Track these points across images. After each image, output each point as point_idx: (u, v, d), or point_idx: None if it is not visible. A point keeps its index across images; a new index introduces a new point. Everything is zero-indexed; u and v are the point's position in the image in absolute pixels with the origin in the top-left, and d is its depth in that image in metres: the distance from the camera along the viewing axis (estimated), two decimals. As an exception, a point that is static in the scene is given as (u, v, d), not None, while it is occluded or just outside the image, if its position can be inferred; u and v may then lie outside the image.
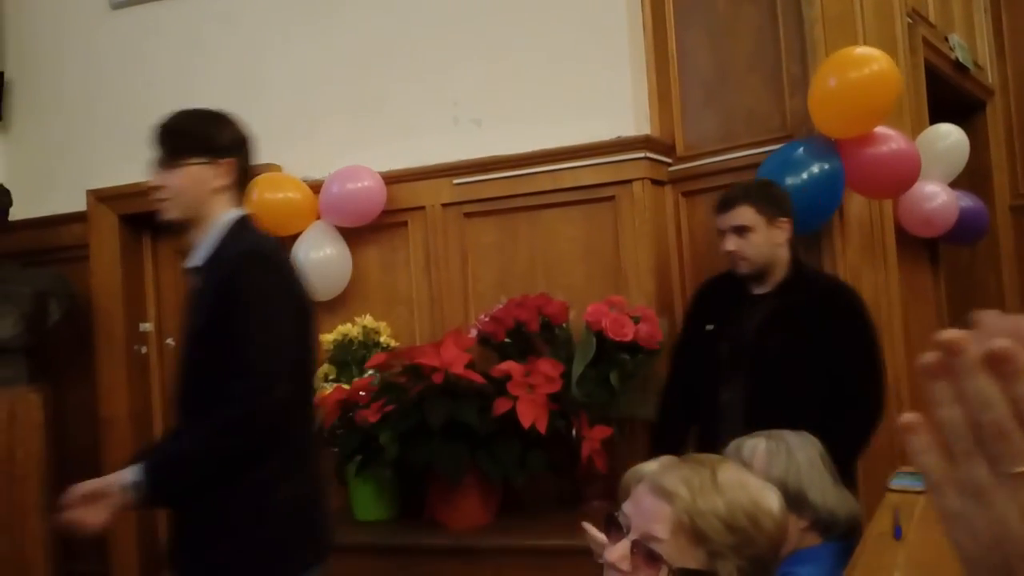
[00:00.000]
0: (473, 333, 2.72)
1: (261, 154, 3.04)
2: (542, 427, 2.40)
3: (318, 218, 3.01)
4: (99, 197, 3.40)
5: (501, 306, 2.70)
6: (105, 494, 1.63)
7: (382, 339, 2.86)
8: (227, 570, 1.70)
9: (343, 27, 3.16)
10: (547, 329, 2.68)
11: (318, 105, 3.18)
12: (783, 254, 2.22)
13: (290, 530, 1.72)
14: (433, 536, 2.54)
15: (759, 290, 2.23)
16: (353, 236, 3.02)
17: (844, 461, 1.76)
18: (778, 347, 2.15)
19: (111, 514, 1.63)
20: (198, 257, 1.78)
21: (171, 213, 1.81)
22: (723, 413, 2.18)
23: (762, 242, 2.17)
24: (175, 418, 1.80)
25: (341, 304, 3.01)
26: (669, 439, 2.25)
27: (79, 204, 3.42)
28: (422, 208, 2.99)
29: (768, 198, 2.21)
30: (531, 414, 2.42)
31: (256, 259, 1.72)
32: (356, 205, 2.95)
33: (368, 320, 2.89)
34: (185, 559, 1.74)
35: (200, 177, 1.77)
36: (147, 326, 3.48)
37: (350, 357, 2.82)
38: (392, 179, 2.99)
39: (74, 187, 3.43)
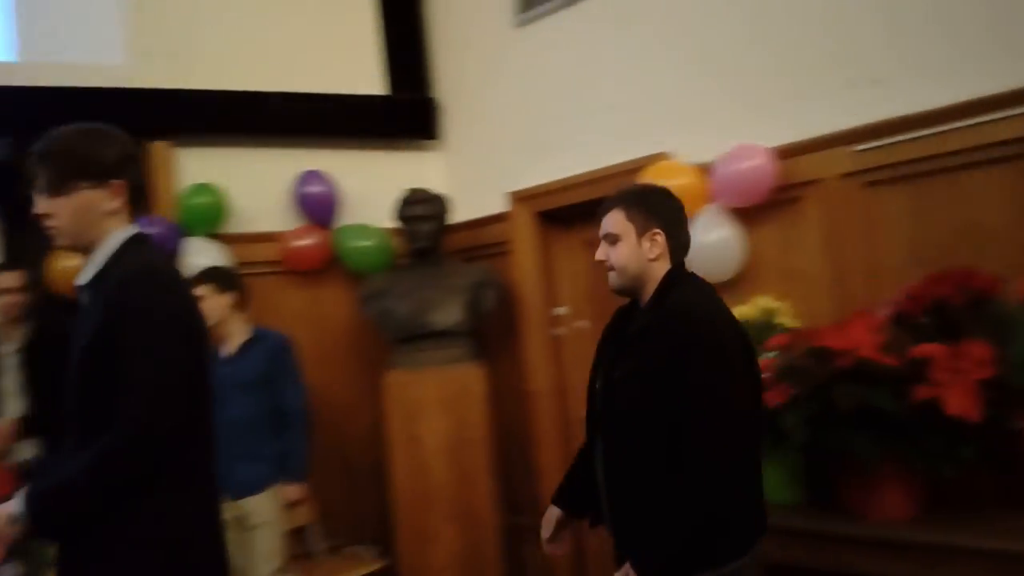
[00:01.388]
0: (883, 312, 2.53)
1: (652, 143, 3.24)
2: (975, 415, 2.16)
3: (710, 201, 3.04)
4: (518, 198, 3.83)
5: (916, 283, 2.47)
6: None
7: (781, 320, 2.80)
8: None
9: (726, 7, 3.14)
10: (975, 307, 2.38)
11: (702, 88, 3.20)
12: None
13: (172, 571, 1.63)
14: (849, 525, 2.44)
15: None
16: (745, 216, 3.00)
17: None
18: None
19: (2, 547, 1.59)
20: (85, 275, 1.74)
21: (62, 241, 1.74)
22: None
23: None
24: (67, 433, 1.71)
25: (734, 286, 3.00)
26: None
27: (502, 206, 3.90)
28: (818, 181, 2.85)
29: None
30: (960, 401, 2.19)
31: (144, 277, 1.65)
32: (747, 184, 2.91)
33: (767, 301, 2.85)
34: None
35: (90, 202, 1.71)
36: (561, 310, 3.84)
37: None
38: (783, 154, 2.90)
39: (497, 191, 3.91)
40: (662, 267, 1.95)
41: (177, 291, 1.73)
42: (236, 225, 3.86)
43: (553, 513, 2.15)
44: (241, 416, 3.19)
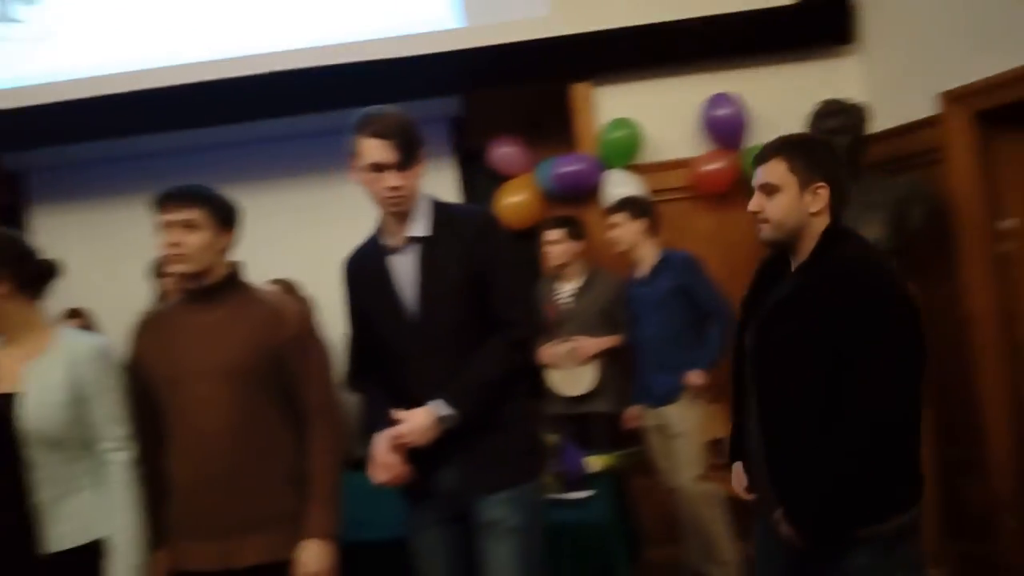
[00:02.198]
0: None
1: None
2: None
3: None
4: (951, 98, 3.42)
5: None
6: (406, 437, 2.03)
7: None
8: (505, 461, 2.08)
9: None
10: None
11: None
12: None
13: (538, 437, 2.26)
14: None
15: None
16: None
17: None
18: None
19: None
20: (420, 228, 2.10)
21: (402, 207, 2.07)
22: None
23: None
24: (428, 368, 2.07)
25: None
26: None
27: (930, 109, 3.52)
28: None
29: None
30: None
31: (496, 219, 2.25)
32: None
33: None
34: (464, 455, 2.06)
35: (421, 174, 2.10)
36: (1009, 223, 3.38)
37: None
38: None
39: (925, 93, 3.53)
40: (822, 223, 1.89)
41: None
42: (649, 155, 4.08)
43: (739, 467, 2.14)
44: (658, 332, 3.45)
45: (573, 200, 4.14)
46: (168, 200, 2.07)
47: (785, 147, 1.93)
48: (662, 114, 4.07)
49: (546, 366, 3.62)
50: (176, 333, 2.11)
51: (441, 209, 2.14)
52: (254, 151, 4.47)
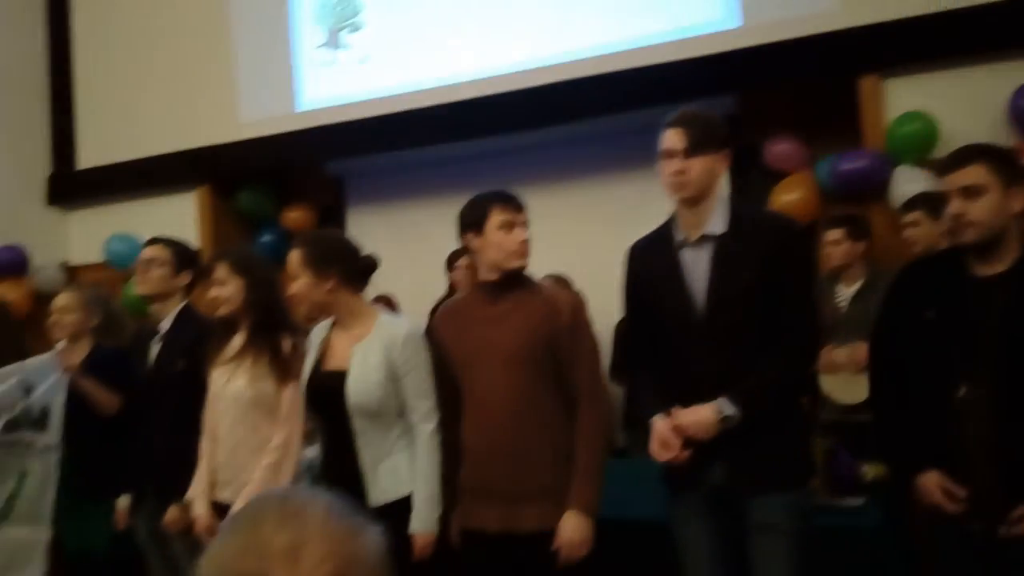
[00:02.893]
0: None
1: None
2: None
3: None
4: None
5: None
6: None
7: None
8: (777, 463, 2.08)
9: None
10: None
11: None
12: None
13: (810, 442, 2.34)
14: None
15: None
16: None
17: None
18: None
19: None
20: (717, 226, 2.13)
21: (687, 192, 2.13)
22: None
23: None
24: (708, 364, 2.09)
25: None
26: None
27: None
28: None
29: None
30: None
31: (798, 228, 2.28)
32: None
33: None
34: (736, 451, 2.08)
35: (716, 167, 2.14)
36: None
37: None
38: None
39: None
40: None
41: None
42: (945, 150, 3.78)
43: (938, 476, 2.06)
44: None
45: (855, 198, 3.95)
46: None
47: (978, 151, 2.02)
48: (961, 106, 3.76)
49: (822, 371, 3.51)
50: (470, 321, 2.37)
51: (740, 209, 2.17)
52: (537, 155, 4.78)
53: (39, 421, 2.87)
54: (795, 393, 2.21)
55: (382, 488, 2.34)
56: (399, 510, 2.30)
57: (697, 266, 2.14)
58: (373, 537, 0.82)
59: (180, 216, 5.33)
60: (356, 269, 2.44)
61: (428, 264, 4.56)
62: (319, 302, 2.42)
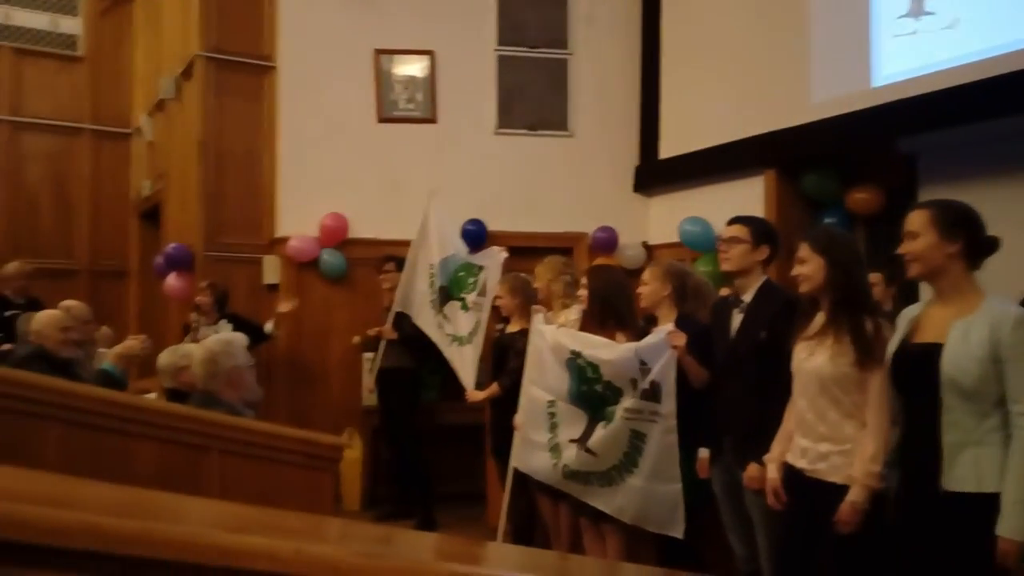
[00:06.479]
0: None
1: None
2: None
3: None
4: None
5: None
6: None
7: None
8: None
9: None
10: None
11: None
12: None
13: None
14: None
15: None
16: None
17: None
18: None
19: None
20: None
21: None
22: None
23: None
24: None
25: None
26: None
27: None
28: None
29: None
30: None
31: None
32: None
33: None
34: None
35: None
36: None
37: None
38: None
39: None
40: None
41: None
42: None
43: None
44: None
45: None
46: None
47: None
48: None
49: None
50: None
51: None
52: None
53: (654, 393, 3.33)
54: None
55: (958, 476, 2.26)
56: (977, 507, 2.21)
57: None
58: None
59: (747, 200, 5.60)
60: (981, 243, 2.38)
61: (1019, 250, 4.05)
62: (934, 266, 2.40)
